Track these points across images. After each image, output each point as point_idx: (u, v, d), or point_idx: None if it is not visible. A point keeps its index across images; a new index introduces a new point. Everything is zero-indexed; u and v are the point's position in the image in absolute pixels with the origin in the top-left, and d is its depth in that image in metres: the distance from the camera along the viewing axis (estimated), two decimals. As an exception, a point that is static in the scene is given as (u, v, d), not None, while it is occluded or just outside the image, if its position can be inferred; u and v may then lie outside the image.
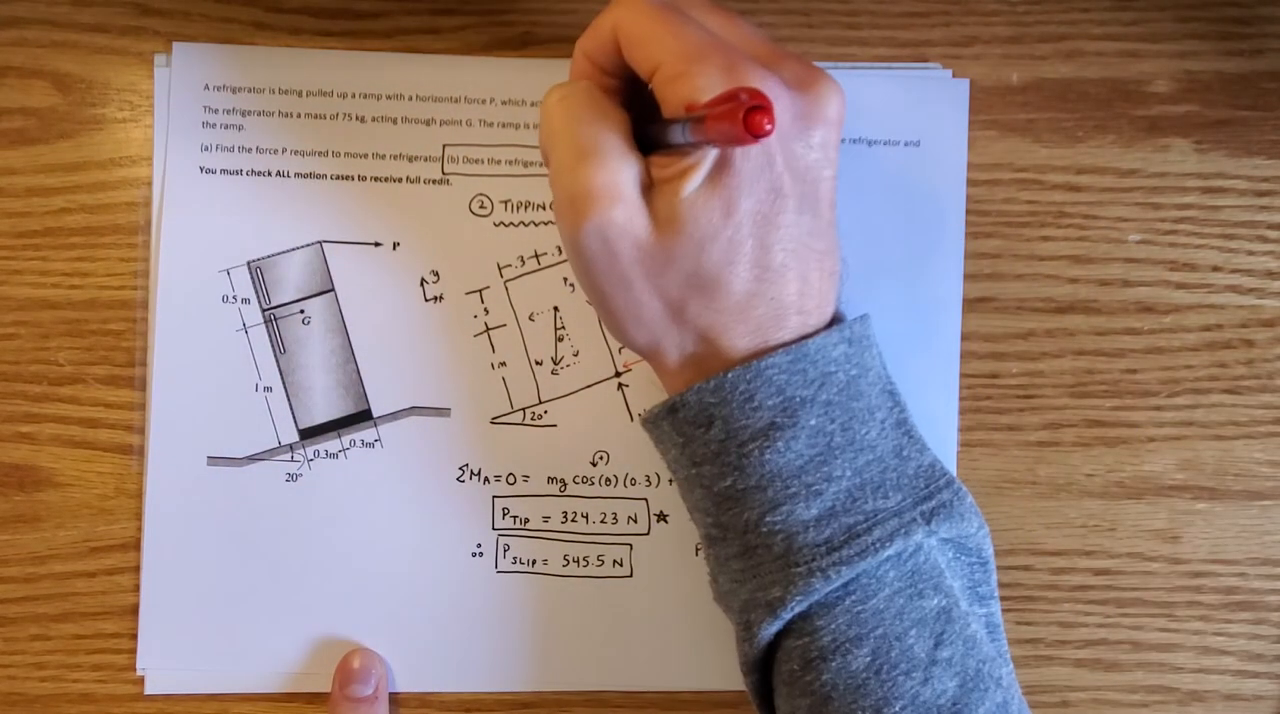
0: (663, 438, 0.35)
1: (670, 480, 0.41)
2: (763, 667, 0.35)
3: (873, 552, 0.32)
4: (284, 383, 0.41)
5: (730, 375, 0.32)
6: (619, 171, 0.32)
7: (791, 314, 0.33)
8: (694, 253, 0.32)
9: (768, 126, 0.27)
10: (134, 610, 0.40)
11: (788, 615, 0.33)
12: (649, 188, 0.32)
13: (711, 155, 0.31)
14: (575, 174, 0.32)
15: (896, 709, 0.32)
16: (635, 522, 0.41)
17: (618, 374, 0.41)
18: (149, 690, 0.40)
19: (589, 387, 0.41)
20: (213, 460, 0.40)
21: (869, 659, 0.32)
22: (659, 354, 0.34)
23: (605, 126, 0.32)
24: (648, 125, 0.33)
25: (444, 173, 0.41)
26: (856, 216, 0.41)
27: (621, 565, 0.41)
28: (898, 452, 0.34)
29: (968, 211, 0.41)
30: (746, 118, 0.26)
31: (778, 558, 0.33)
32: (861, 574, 0.33)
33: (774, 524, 0.33)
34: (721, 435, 0.33)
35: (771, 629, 0.33)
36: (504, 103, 0.41)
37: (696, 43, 0.32)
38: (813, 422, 0.33)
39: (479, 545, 0.41)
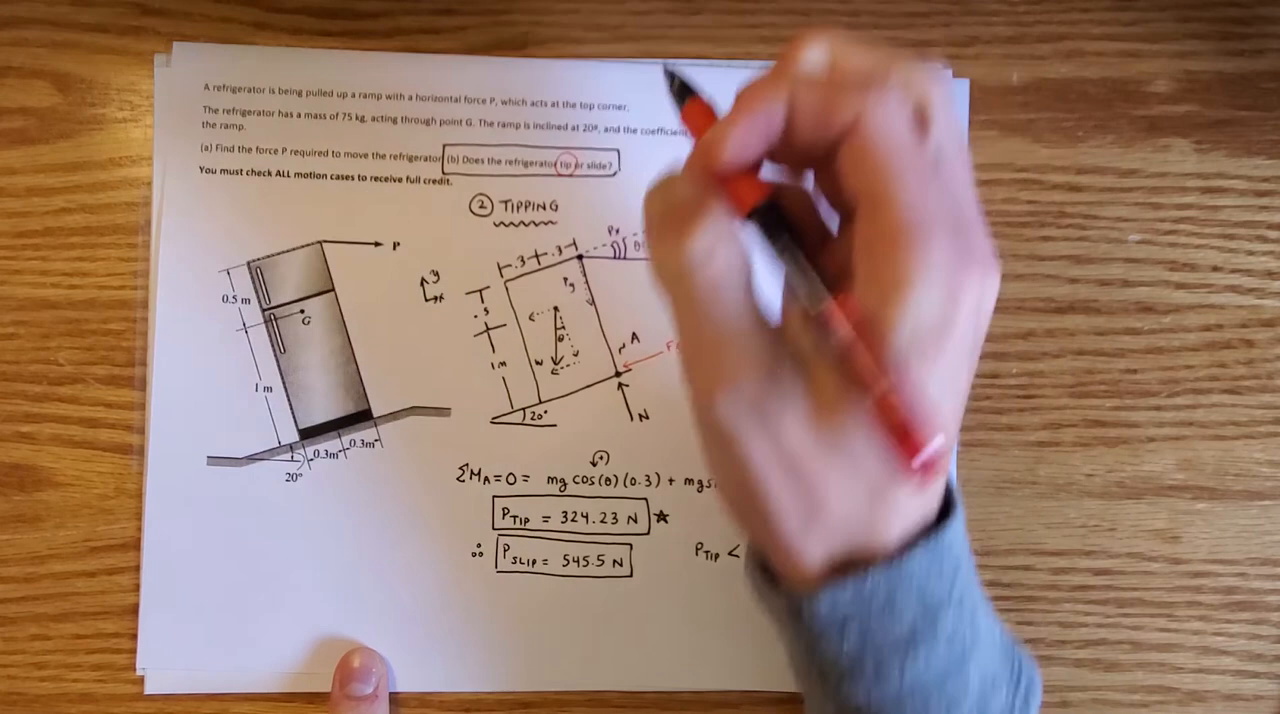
0: (778, 624, 0.31)
1: (670, 480, 0.41)
2: None
3: None
4: (284, 383, 0.41)
5: (870, 580, 0.28)
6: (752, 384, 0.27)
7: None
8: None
9: (930, 479, 0.25)
10: (134, 610, 0.40)
11: None
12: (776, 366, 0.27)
13: None
14: (707, 390, 0.27)
15: None
16: (635, 521, 0.41)
17: (618, 374, 0.41)
18: (149, 690, 0.40)
19: (589, 386, 0.41)
20: (213, 460, 0.40)
21: None
22: (797, 554, 0.29)
23: (736, 322, 0.27)
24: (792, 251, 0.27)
25: (444, 172, 0.41)
26: (856, 216, 0.41)
27: (621, 565, 0.41)
28: (993, 636, 0.31)
29: (968, 211, 0.41)
30: (923, 466, 0.24)
31: None
32: None
33: None
34: (858, 645, 0.29)
35: None
36: (504, 103, 0.41)
37: (939, 203, 0.26)
38: (949, 626, 0.29)
39: (479, 545, 0.41)
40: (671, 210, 0.27)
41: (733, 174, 0.27)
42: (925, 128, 0.27)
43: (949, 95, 0.28)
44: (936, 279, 0.25)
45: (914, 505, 0.28)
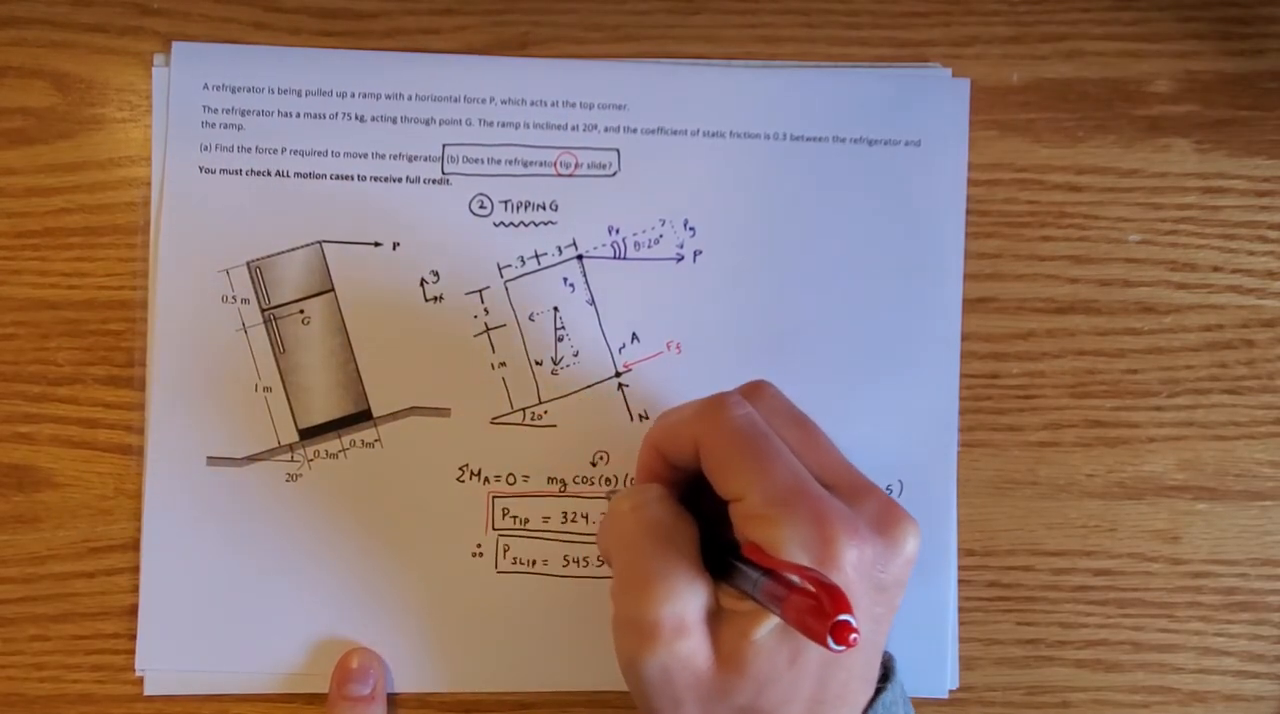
0: None
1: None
2: None
3: None
4: (284, 383, 0.40)
5: None
6: (688, 603, 0.30)
7: None
8: (752, 692, 0.31)
9: (852, 638, 0.26)
10: (133, 611, 0.40)
11: None
12: (715, 613, 0.31)
13: None
14: (642, 602, 0.31)
15: None
16: (635, 522, 0.41)
17: (618, 374, 0.41)
18: (148, 691, 0.40)
19: (589, 387, 0.41)
20: (212, 460, 0.40)
21: None
22: None
23: (675, 548, 0.31)
24: (719, 537, 0.32)
25: (444, 172, 0.41)
26: (856, 216, 0.41)
27: (621, 566, 0.41)
28: None
29: (968, 211, 0.41)
30: (833, 629, 0.26)
31: None
32: None
33: None
34: None
35: None
36: (504, 102, 0.41)
37: (784, 484, 0.30)
38: None
39: (479, 546, 0.41)
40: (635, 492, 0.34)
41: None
42: (754, 415, 0.32)
43: (766, 392, 0.34)
44: (799, 554, 0.29)
45: (860, 694, 0.32)
